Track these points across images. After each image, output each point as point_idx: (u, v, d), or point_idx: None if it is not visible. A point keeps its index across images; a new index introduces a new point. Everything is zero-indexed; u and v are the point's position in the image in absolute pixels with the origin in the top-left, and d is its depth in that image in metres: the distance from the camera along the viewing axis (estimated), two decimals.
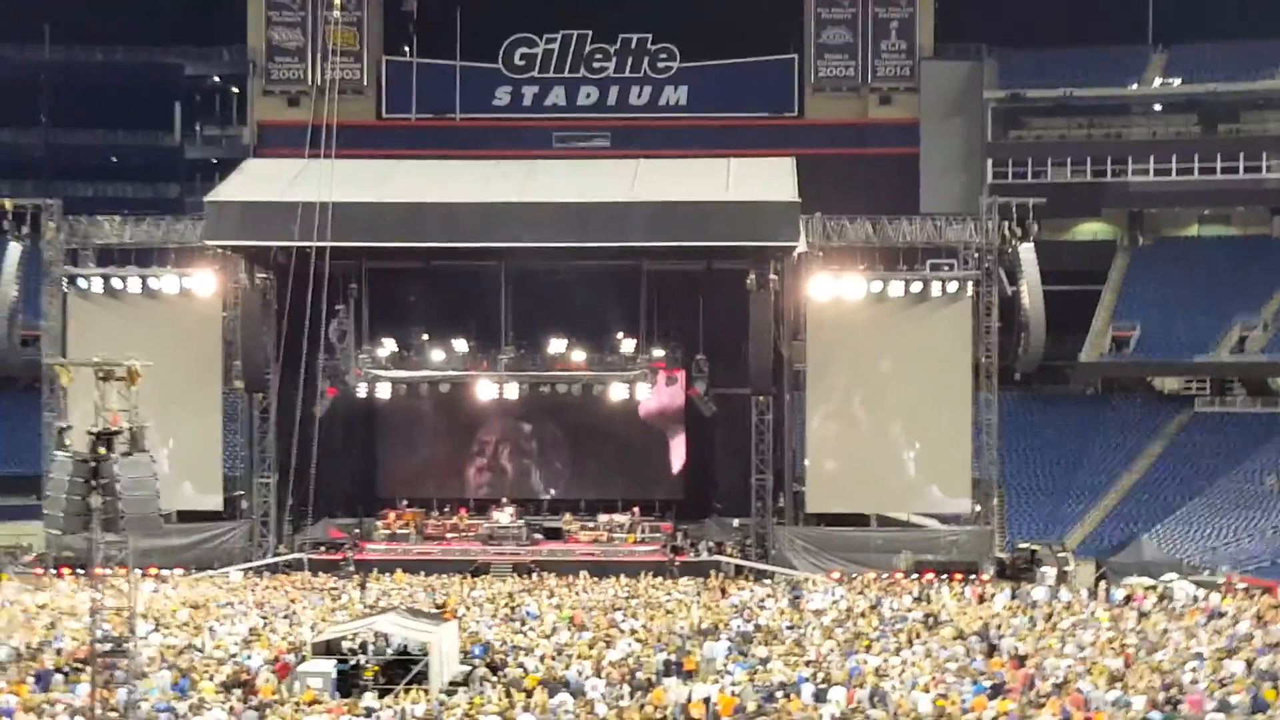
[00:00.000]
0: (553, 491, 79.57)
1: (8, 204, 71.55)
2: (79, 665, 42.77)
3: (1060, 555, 69.82)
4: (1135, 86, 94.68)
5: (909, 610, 55.10)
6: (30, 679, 41.87)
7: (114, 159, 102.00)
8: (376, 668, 43.21)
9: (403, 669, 42.92)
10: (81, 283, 70.53)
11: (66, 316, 70.62)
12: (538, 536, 72.62)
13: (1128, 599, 58.65)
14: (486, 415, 77.89)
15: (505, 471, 80.00)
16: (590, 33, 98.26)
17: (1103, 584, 63.28)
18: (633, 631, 49.92)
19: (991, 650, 47.10)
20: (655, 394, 74.33)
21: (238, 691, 40.56)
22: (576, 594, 59.79)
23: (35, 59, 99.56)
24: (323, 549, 70.53)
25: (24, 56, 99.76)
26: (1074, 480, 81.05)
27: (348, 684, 42.12)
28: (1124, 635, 49.21)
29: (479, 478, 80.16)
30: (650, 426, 77.77)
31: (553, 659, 44.88)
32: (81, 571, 59.21)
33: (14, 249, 72.39)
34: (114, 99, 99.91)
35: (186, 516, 69.00)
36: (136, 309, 70.22)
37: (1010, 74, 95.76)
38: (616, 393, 72.15)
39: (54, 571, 66.27)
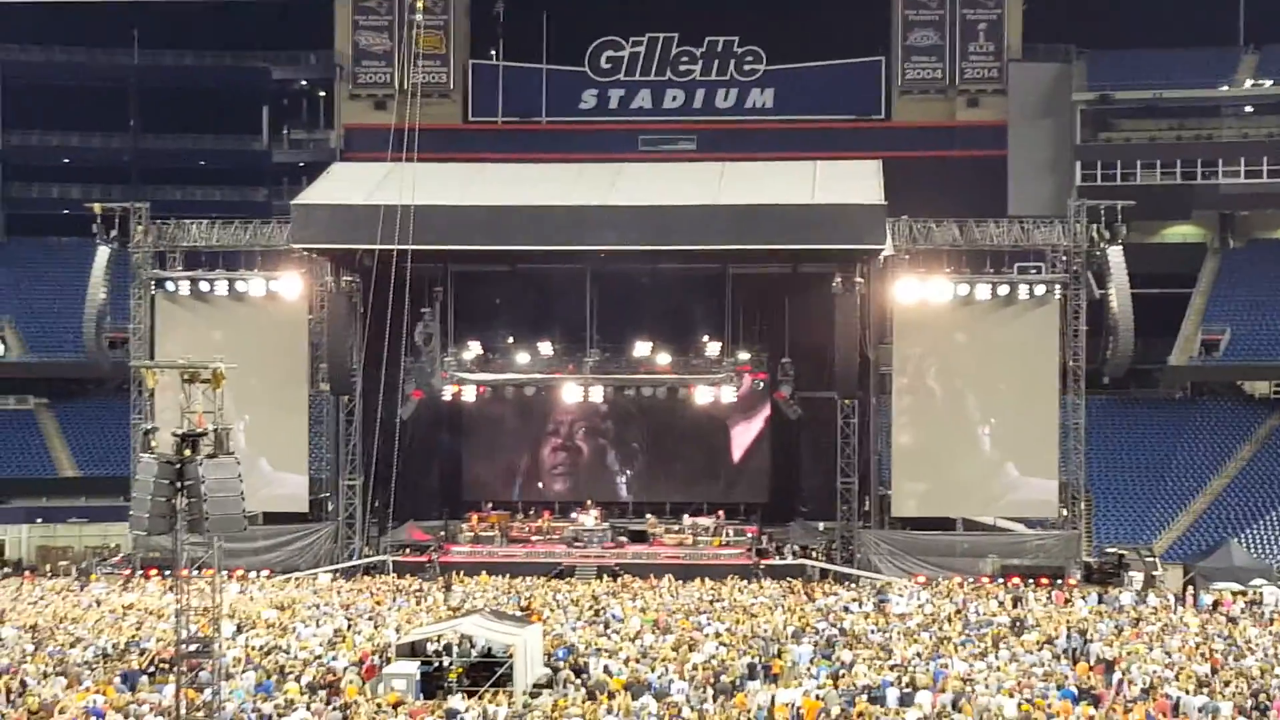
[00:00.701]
0: (625, 479, 79.87)
1: (97, 207, 72.12)
2: (165, 665, 43.05)
3: (1148, 560, 69.37)
4: (1226, 87, 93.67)
5: (995, 615, 54.84)
6: (117, 679, 42.18)
7: (202, 163, 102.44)
8: (461, 669, 43.33)
9: (487, 671, 43.01)
10: (169, 285, 70.93)
11: (154, 319, 71.05)
12: (622, 539, 72.58)
13: (1216, 604, 58.29)
14: (571, 418, 77.98)
15: (589, 474, 79.95)
16: (676, 35, 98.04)
17: (1190, 589, 62.84)
18: (717, 635, 49.84)
19: (1078, 655, 46.83)
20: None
21: (322, 693, 40.73)
22: (661, 597, 59.70)
23: (125, 64, 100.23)
24: (407, 551, 70.69)
25: (113, 61, 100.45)
26: (1162, 484, 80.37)
27: (432, 686, 42.25)
28: (1212, 641, 48.88)
29: (563, 480, 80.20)
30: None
31: (637, 662, 44.85)
32: (168, 572, 59.67)
33: (103, 252, 73.01)
34: (202, 103, 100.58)
35: (272, 518, 69.34)
36: (223, 312, 70.64)
37: (1099, 75, 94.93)
38: (702, 396, 72.15)
39: (141, 572, 66.81)
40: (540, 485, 79.92)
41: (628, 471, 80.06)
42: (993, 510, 70.45)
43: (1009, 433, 69.03)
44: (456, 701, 39.95)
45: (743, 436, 79.02)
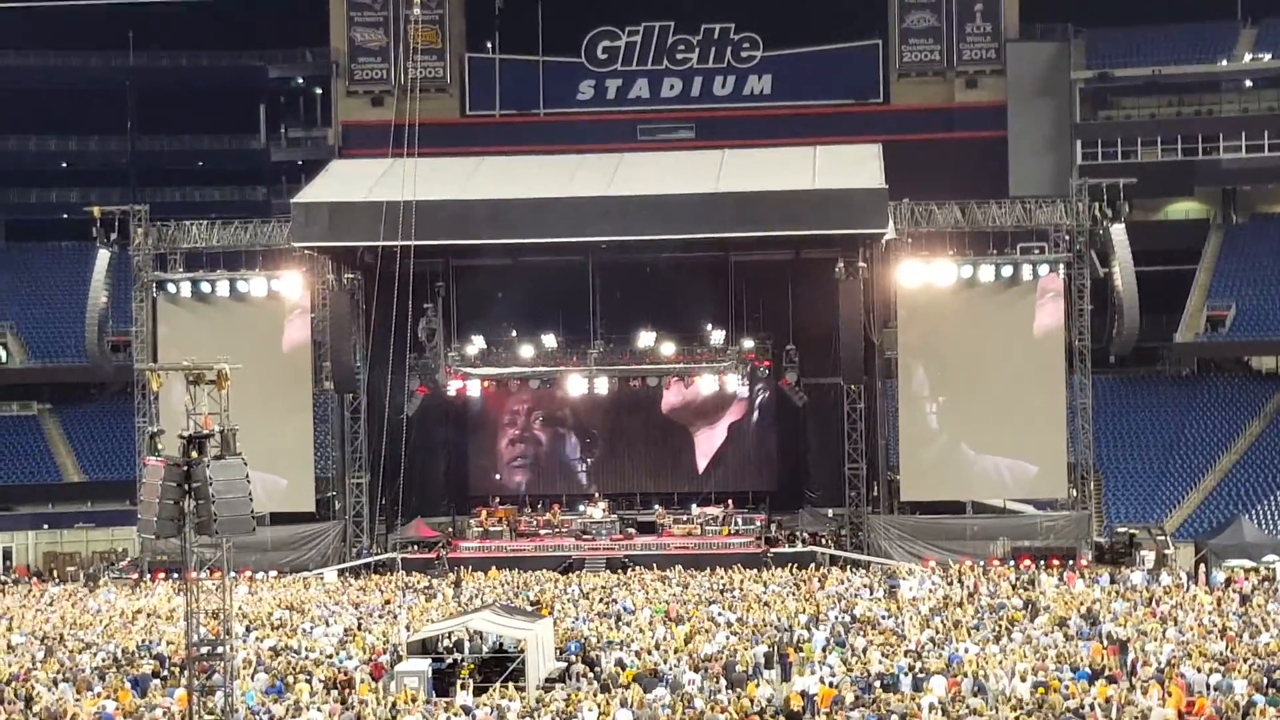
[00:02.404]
0: (585, 469, 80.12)
1: (96, 211, 71.88)
2: (176, 669, 42.93)
3: (1159, 538, 69.18)
4: (1225, 63, 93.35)
5: (1007, 597, 54.66)
6: (128, 683, 42.02)
7: (200, 163, 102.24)
8: (472, 665, 43.17)
9: (499, 666, 42.88)
10: (170, 287, 70.76)
11: (156, 321, 70.91)
12: (630, 531, 72.48)
13: (1228, 582, 58.07)
14: (577, 409, 77.57)
15: (597, 465, 79.60)
16: (672, 24, 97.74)
17: (1202, 567, 62.65)
18: (729, 624, 49.70)
19: (1091, 636, 46.65)
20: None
21: (334, 693, 40.55)
22: (671, 588, 59.56)
23: (120, 66, 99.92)
24: (416, 548, 70.52)
25: (109, 64, 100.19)
26: (1171, 462, 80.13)
27: (444, 682, 42.09)
28: (1226, 618, 48.71)
29: (569, 472, 79.92)
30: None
31: (649, 653, 44.70)
32: (176, 575, 59.60)
33: (103, 255, 72.73)
34: (199, 103, 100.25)
35: (280, 518, 69.07)
36: (225, 312, 70.43)
37: (1098, 53, 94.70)
38: (707, 385, 72.09)
39: (149, 576, 66.67)
40: (548, 478, 79.63)
41: (633, 461, 79.73)
42: (1002, 492, 70.24)
43: (1016, 413, 68.67)
44: (468, 697, 39.81)
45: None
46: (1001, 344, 68.68)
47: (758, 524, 72.27)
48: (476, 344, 72.52)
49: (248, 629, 50.51)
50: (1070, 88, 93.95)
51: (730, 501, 74.41)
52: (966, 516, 69.39)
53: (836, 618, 50.76)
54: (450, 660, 43.97)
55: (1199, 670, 40.04)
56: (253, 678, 42.06)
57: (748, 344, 72.13)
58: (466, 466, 79.72)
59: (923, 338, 69.11)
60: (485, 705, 38.87)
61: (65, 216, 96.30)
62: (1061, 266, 68.23)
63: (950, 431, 69.03)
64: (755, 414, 78.65)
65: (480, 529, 72.83)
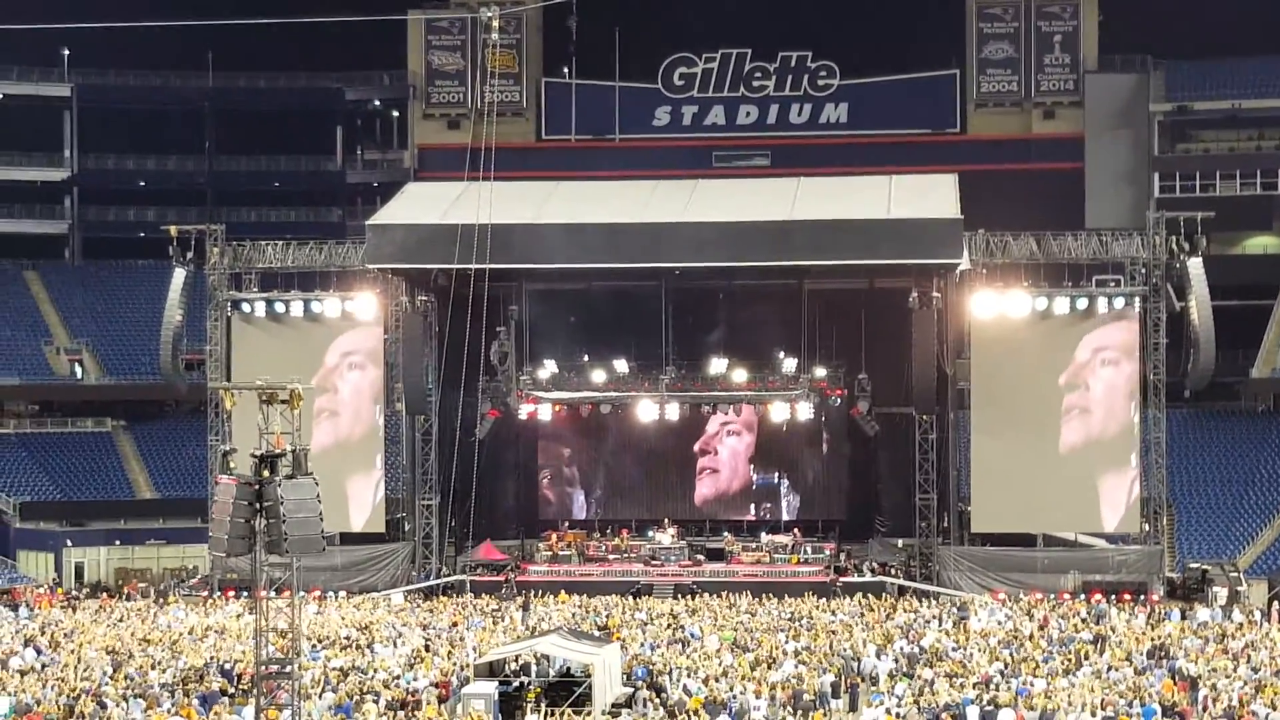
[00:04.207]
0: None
1: (173, 230, 72.30)
2: (244, 687, 43.02)
3: (1232, 575, 68.58)
4: None
5: (1077, 631, 54.28)
6: (196, 701, 42.13)
7: (276, 184, 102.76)
8: (539, 689, 43.13)
9: (565, 690, 42.81)
10: (245, 307, 71.11)
11: (230, 340, 71.22)
12: (699, 557, 72.25)
13: None
14: (648, 435, 77.37)
15: (665, 491, 79.44)
16: (749, 51, 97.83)
17: (1276, 605, 62.10)
18: (796, 653, 49.51)
19: (1162, 672, 46.27)
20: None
21: (401, 713, 40.58)
22: (739, 615, 59.40)
23: (199, 86, 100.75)
24: (484, 571, 70.48)
25: (188, 84, 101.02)
26: (1246, 499, 79.56)
27: (510, 706, 42.06)
28: None
29: (638, 498, 79.70)
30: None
31: (716, 680, 44.56)
32: (246, 593, 59.78)
33: (179, 274, 73.05)
34: (276, 125, 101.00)
35: (349, 539, 69.28)
36: (299, 332, 70.71)
37: (1176, 86, 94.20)
38: (778, 413, 71.84)
39: (219, 593, 66.90)
40: (617, 502, 79.38)
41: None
42: (1074, 525, 69.79)
43: (1089, 447, 68.29)
44: None
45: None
46: (1075, 376, 68.22)
47: (827, 553, 71.95)
48: (548, 368, 72.50)
49: (315, 648, 50.61)
50: (1149, 120, 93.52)
51: (799, 530, 74.22)
52: (1037, 549, 68.94)
53: (904, 648, 50.55)
54: (517, 683, 43.95)
55: (1271, 708, 39.68)
56: (320, 697, 42.13)
57: (820, 372, 71.79)
58: (536, 490, 79.70)
59: (996, 369, 68.67)
60: None
61: (142, 235, 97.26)
62: (1137, 300, 67.77)
63: (1022, 463, 68.47)
64: (824, 446, 78.35)
65: (549, 553, 72.77)
